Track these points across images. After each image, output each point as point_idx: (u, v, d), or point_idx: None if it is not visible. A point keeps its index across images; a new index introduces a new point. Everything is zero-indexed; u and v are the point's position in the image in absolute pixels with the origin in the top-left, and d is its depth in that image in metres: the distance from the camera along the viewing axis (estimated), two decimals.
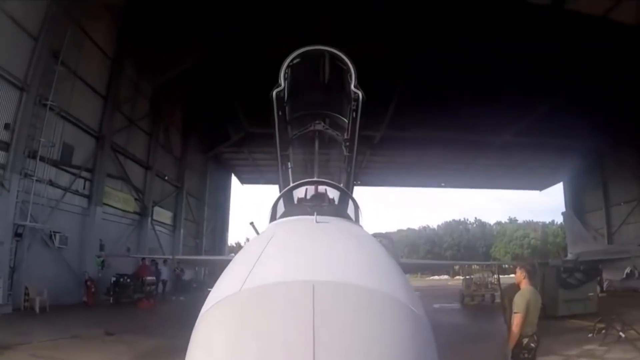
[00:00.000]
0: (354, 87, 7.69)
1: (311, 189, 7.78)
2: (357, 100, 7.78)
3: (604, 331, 12.87)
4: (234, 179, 53.42)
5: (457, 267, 49.53)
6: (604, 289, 26.28)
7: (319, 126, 9.22)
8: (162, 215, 33.07)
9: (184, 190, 36.63)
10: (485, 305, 25.41)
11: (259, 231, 5.39)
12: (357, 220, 6.72)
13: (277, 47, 21.88)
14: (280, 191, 9.20)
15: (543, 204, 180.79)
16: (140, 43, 25.02)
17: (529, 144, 40.12)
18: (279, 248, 3.63)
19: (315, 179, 8.10)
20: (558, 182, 54.54)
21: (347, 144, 8.88)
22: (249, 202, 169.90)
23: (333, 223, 5.16)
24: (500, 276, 28.55)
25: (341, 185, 8.47)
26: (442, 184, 58.74)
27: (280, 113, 8.04)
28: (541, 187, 58.50)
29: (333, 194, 7.64)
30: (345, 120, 8.79)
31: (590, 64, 25.85)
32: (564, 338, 13.33)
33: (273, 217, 6.79)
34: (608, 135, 37.84)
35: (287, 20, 22.91)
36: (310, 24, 22.01)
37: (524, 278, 6.87)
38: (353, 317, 2.45)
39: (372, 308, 2.59)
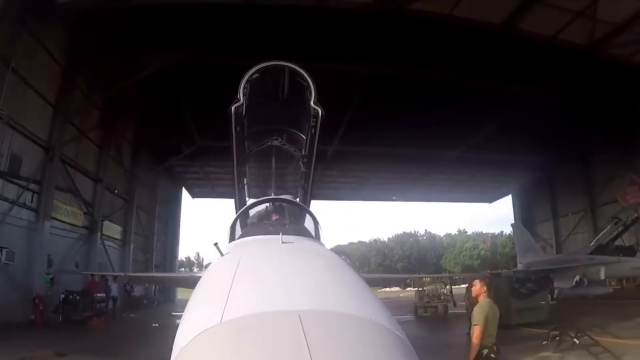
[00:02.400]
0: (314, 103, 7.70)
1: (268, 207, 7.76)
2: (316, 116, 7.80)
3: (558, 338, 13.24)
4: (185, 193, 52.69)
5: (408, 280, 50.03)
6: (555, 297, 26.92)
7: (277, 142, 9.20)
8: (112, 229, 32.15)
9: (134, 204, 35.71)
10: (438, 317, 25.76)
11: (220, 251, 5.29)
12: (317, 237, 6.75)
13: (231, 59, 22.10)
14: (236, 207, 9.15)
15: (492, 216, 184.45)
16: (92, 53, 24.40)
17: (479, 158, 41.07)
18: (252, 273, 3.59)
19: (276, 196, 8.09)
20: (507, 194, 56.08)
21: (305, 160, 8.87)
22: (199, 216, 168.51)
23: (298, 243, 5.19)
24: (453, 287, 29.02)
25: (298, 201, 8.50)
26: (394, 198, 59.33)
27: (238, 129, 7.97)
28: (490, 199, 59.99)
29: (293, 210, 7.64)
30: (303, 136, 8.79)
31: (539, 82, 26.69)
32: (519, 346, 13.68)
33: (233, 236, 6.74)
34: (556, 151, 39.42)
35: (242, 34, 22.81)
36: (266, 39, 22.01)
37: (483, 291, 7.02)
38: (347, 346, 2.48)
39: (363, 336, 2.62)
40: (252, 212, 7.83)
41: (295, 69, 7.88)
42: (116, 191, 32.36)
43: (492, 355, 6.64)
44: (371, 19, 21.85)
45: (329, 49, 23.63)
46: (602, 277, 26.30)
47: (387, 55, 24.64)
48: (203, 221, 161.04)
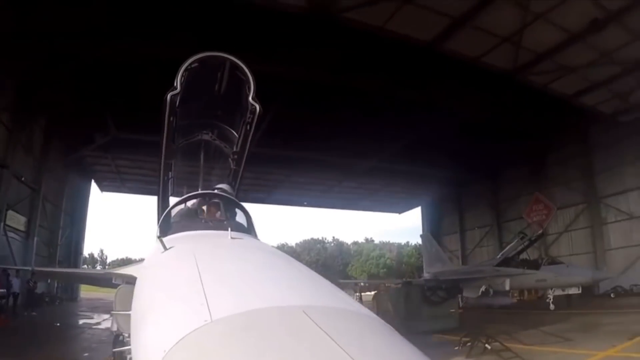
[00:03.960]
0: (252, 99, 7.62)
1: (202, 202, 7.53)
2: (253, 112, 7.73)
3: (469, 344, 13.66)
4: (94, 186, 50.42)
5: None
6: (461, 306, 27.86)
7: (207, 136, 9.06)
8: (15, 220, 30.09)
9: (41, 194, 33.72)
10: None
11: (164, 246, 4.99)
12: (254, 235, 6.65)
13: (152, 50, 21.55)
14: (159, 201, 8.90)
15: (400, 226, 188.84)
16: (6, 33, 22.92)
17: (392, 169, 42.23)
18: (219, 270, 3.43)
19: (215, 191, 7.87)
20: (417, 206, 58.42)
21: (236, 157, 8.76)
22: (104, 212, 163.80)
23: (247, 240, 5.13)
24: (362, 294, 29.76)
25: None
26: (305, 203, 59.48)
27: (171, 118, 7.76)
28: (400, 210, 61.93)
29: (228, 207, 7.44)
30: (235, 133, 8.69)
31: (456, 100, 27.67)
32: (431, 352, 13.80)
33: (165, 230, 6.42)
34: (467, 167, 41.03)
35: (172, 28, 22.15)
36: (195, 32, 21.50)
37: None
38: (367, 339, 2.44)
39: (373, 329, 2.63)
40: (181, 207, 7.55)
41: (235, 62, 7.78)
42: (23, 179, 30.58)
43: None
44: (300, 23, 21.72)
45: (253, 48, 23.26)
46: (507, 288, 27.57)
47: (310, 61, 24.55)
48: (108, 217, 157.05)
